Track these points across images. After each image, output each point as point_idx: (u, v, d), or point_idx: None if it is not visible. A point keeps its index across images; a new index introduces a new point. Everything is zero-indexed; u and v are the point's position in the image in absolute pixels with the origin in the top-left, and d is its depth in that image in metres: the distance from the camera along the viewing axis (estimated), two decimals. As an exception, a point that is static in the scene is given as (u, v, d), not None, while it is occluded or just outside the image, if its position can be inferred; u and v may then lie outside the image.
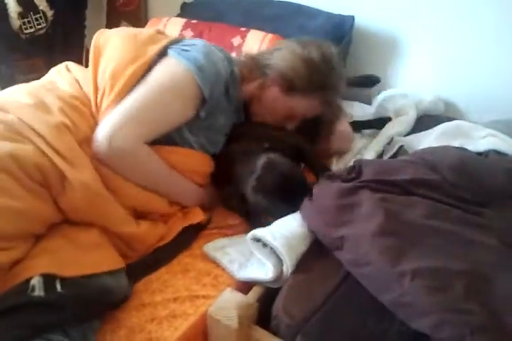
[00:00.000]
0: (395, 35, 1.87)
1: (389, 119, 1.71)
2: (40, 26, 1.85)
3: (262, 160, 1.20)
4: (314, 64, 1.29)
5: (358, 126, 1.73)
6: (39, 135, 1.02)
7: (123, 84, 1.14)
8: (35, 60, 1.86)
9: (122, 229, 1.09)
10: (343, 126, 1.53)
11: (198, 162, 1.27)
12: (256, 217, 1.28)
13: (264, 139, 1.31)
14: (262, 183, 1.17)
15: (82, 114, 1.13)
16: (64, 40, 1.87)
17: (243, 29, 1.85)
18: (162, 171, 1.18)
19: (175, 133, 1.20)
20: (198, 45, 1.22)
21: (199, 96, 1.18)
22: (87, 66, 1.25)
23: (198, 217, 1.24)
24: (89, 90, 1.18)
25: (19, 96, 1.14)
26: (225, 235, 1.25)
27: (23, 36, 1.82)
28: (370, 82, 1.90)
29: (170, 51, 1.21)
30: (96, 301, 0.94)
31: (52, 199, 1.02)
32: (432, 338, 0.80)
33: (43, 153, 1.00)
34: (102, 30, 1.29)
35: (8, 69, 1.82)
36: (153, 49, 1.20)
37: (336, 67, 1.33)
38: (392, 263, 0.88)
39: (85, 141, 1.09)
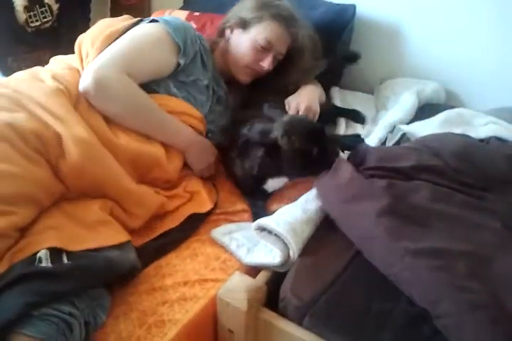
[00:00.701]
0: (397, 23, 1.88)
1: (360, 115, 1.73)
2: (45, 19, 1.87)
3: (286, 117, 1.26)
4: None
5: (337, 111, 1.76)
6: (35, 101, 1.10)
7: (102, 40, 1.27)
8: (41, 53, 1.88)
9: (122, 184, 1.13)
10: (303, 100, 1.53)
11: (186, 106, 1.34)
12: (257, 201, 1.32)
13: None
14: (294, 128, 1.20)
15: (73, 77, 1.23)
16: (69, 33, 1.89)
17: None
18: (149, 102, 1.25)
19: (161, 88, 1.31)
20: (166, 17, 1.39)
21: (173, 43, 1.30)
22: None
23: (205, 205, 1.27)
24: (77, 64, 1.30)
25: (18, 75, 1.26)
26: (232, 221, 1.27)
27: (29, 29, 1.84)
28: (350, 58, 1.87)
29: (142, 22, 1.37)
30: (104, 272, 0.96)
31: (53, 168, 1.06)
32: (431, 313, 0.83)
33: (39, 118, 1.07)
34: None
35: (14, 61, 1.85)
36: (128, 21, 1.36)
37: None
38: (395, 240, 0.91)
39: (78, 102, 1.18)
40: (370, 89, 1.95)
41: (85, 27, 1.96)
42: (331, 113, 1.72)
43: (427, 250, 0.89)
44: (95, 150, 1.10)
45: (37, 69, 1.30)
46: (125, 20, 1.38)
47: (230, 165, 1.38)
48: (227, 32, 1.52)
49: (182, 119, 1.31)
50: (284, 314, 0.96)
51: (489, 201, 1.12)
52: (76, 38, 1.30)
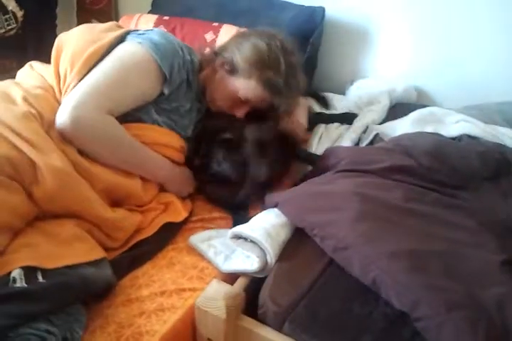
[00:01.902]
0: (366, 26, 1.89)
1: (355, 115, 1.72)
2: (10, 27, 1.83)
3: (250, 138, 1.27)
4: (258, 48, 1.34)
5: (325, 118, 1.74)
6: (6, 125, 1.04)
7: (82, 62, 1.18)
8: (7, 61, 1.84)
9: (98, 213, 1.09)
10: (296, 117, 1.53)
11: (167, 137, 1.30)
12: (240, 211, 1.31)
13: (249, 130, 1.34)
14: (262, 150, 1.23)
15: (47, 100, 1.17)
16: (36, 40, 1.85)
17: (216, 24, 1.85)
18: (129, 142, 1.20)
19: (143, 114, 1.25)
20: (154, 30, 1.30)
21: (159, 72, 1.23)
22: None
23: (180, 215, 1.25)
24: (52, 81, 1.22)
25: None
26: (209, 228, 1.25)
27: (-7, 37, 1.79)
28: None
29: (128, 37, 1.27)
30: (79, 290, 0.94)
31: (26, 192, 1.02)
32: (410, 317, 0.83)
33: (12, 144, 1.02)
34: (63, 33, 1.32)
35: (-21, 70, 1.80)
36: (113, 34, 1.26)
37: (279, 51, 1.35)
38: (369, 246, 0.91)
39: (51, 127, 1.11)
40: (341, 90, 1.96)
41: (52, 33, 1.94)
42: (310, 121, 1.69)
43: (401, 252, 0.89)
44: (70, 178, 1.06)
45: (8, 85, 1.20)
46: (110, 29, 1.29)
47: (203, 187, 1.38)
48: (217, 63, 1.39)
49: (162, 151, 1.27)
50: (263, 321, 0.95)
51: (462, 199, 1.13)
52: (42, 46, 1.26)
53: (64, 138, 1.11)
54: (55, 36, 1.29)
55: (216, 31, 1.83)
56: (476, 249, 0.95)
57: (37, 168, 1.02)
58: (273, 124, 1.40)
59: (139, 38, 1.25)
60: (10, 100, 1.13)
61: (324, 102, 1.85)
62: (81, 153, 1.13)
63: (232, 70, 1.35)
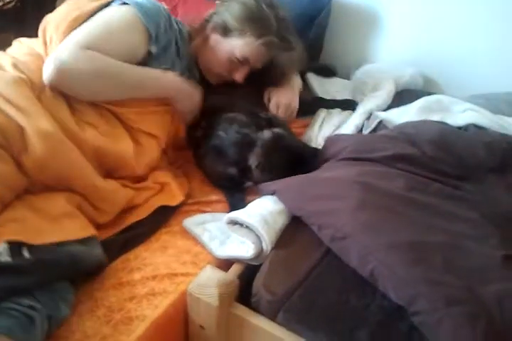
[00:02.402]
0: (375, 8, 1.85)
1: (356, 103, 1.68)
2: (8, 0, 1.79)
3: (267, 135, 1.19)
4: (246, 5, 1.36)
5: (326, 103, 1.71)
6: None
7: (67, 25, 1.18)
8: (5, 35, 1.79)
9: (88, 180, 1.08)
10: (284, 97, 1.51)
11: (154, 127, 1.27)
12: (235, 193, 1.28)
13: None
14: (270, 160, 1.17)
15: (36, 65, 1.14)
16: (34, 13, 1.80)
17: (218, 2, 1.80)
18: (120, 69, 1.18)
19: None
20: None
21: (144, 29, 1.21)
22: None
23: (175, 198, 1.22)
24: (39, 48, 1.21)
25: None
26: (205, 212, 1.22)
27: (-9, 10, 1.75)
28: (326, 72, 1.89)
29: (113, 3, 1.26)
30: (67, 268, 0.93)
31: (15, 161, 1.00)
32: (408, 310, 0.81)
33: (0, 109, 1.00)
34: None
35: (-25, 44, 1.76)
36: (97, 3, 1.25)
37: (267, 6, 1.37)
38: (369, 236, 0.88)
39: (42, 92, 1.10)
40: (346, 75, 1.92)
41: (51, 7, 1.88)
42: (311, 104, 1.68)
43: (401, 243, 0.87)
44: (60, 144, 1.04)
45: None
46: (94, 0, 1.28)
47: (200, 160, 1.35)
48: (208, 30, 1.40)
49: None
50: (257, 309, 0.93)
51: (466, 190, 1.10)
52: (41, 19, 1.23)
53: (53, 94, 1.10)
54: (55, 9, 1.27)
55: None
56: (477, 243, 0.93)
57: (25, 134, 1.00)
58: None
59: (124, 2, 1.24)
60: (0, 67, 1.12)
61: (328, 70, 1.84)
62: (72, 116, 1.11)
63: (226, 31, 1.36)
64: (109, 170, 1.17)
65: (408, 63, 1.83)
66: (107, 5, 1.26)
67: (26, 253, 0.88)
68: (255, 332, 0.92)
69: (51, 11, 1.28)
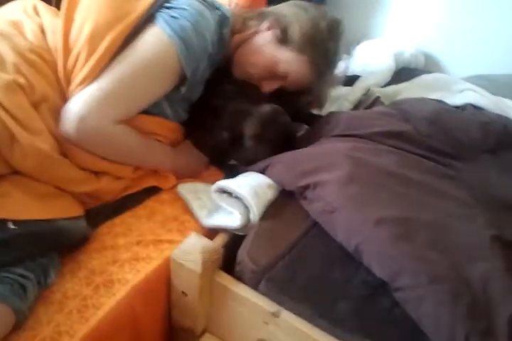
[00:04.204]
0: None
1: (356, 77, 1.65)
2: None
3: (267, 108, 1.17)
4: (318, 28, 1.21)
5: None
6: None
7: (102, 53, 1.00)
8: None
9: (81, 188, 1.01)
10: None
11: (171, 130, 1.20)
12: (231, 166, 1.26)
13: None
14: (265, 132, 1.15)
15: (40, 70, 1.00)
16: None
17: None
18: (137, 147, 1.10)
19: (154, 108, 1.11)
20: (188, 10, 1.07)
21: (181, 73, 1.08)
22: (57, 7, 1.10)
23: (168, 182, 1.18)
24: (55, 45, 1.04)
25: None
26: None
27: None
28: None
29: (158, 16, 1.07)
30: (52, 240, 0.91)
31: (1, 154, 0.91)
32: (391, 286, 0.80)
33: None
34: None
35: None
36: (139, 8, 1.06)
37: (335, 37, 1.26)
38: (357, 210, 0.88)
39: (43, 102, 0.98)
40: (347, 51, 1.88)
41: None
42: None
43: (389, 219, 0.86)
44: (51, 161, 0.95)
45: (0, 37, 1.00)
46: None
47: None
48: (264, 26, 1.23)
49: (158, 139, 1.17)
50: (240, 278, 0.92)
51: (458, 169, 1.09)
52: None
53: (52, 105, 0.99)
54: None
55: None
56: (466, 222, 0.92)
57: (16, 143, 0.90)
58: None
59: (169, 26, 1.05)
60: None
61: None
62: None
63: (284, 40, 1.21)
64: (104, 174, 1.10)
65: (409, 40, 1.80)
66: (150, 12, 1.07)
67: (11, 226, 0.85)
68: (237, 300, 0.91)
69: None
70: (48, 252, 0.91)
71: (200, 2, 1.11)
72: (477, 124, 1.18)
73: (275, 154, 1.12)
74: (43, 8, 1.12)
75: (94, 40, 1.00)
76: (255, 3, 1.51)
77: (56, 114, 0.98)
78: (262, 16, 1.26)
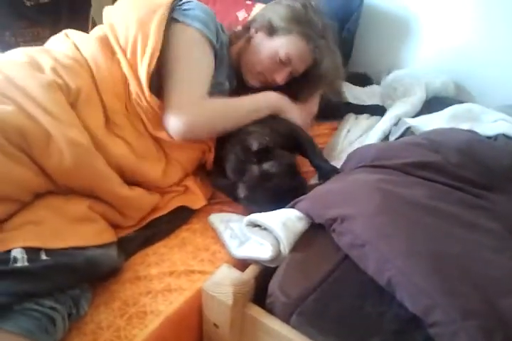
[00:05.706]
0: (406, 14, 1.82)
1: (385, 109, 1.66)
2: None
3: (254, 172, 1.18)
4: (294, 8, 1.37)
5: (352, 108, 1.69)
6: (27, 94, 0.98)
7: (157, 28, 1.14)
8: (40, 29, 1.82)
9: (114, 190, 1.06)
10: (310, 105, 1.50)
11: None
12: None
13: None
14: (254, 195, 1.17)
15: (76, 73, 1.10)
16: (70, 9, 1.82)
17: (249, 2, 1.82)
18: (234, 107, 1.26)
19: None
20: (193, 2, 1.26)
21: (212, 46, 1.24)
22: None
23: (197, 202, 1.23)
24: (90, 54, 1.15)
25: (14, 56, 1.12)
26: (226, 211, 1.23)
27: (28, 3, 1.77)
28: (361, 81, 1.88)
29: (175, 13, 1.21)
30: (83, 271, 0.92)
31: (36, 164, 0.97)
32: (424, 322, 0.79)
33: (28, 113, 0.96)
34: (106, 7, 1.26)
35: (12, 36, 1.78)
36: (160, 18, 1.17)
37: (312, 9, 1.39)
38: (386, 243, 0.87)
39: (78, 100, 1.07)
40: (376, 81, 1.90)
41: (87, 3, 1.91)
42: (340, 109, 1.68)
43: (420, 252, 0.84)
44: (89, 156, 1.01)
45: (39, 51, 1.13)
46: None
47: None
48: (252, 31, 1.40)
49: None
50: (271, 311, 0.92)
51: (489, 200, 1.07)
52: (76, 15, 1.21)
53: (88, 103, 1.08)
54: (90, 6, 1.25)
55: (249, 10, 1.80)
56: (497, 254, 0.90)
57: (52, 141, 0.96)
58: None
59: (188, 17, 1.20)
60: (38, 68, 1.07)
61: (366, 78, 1.88)
62: (105, 127, 1.09)
63: (271, 31, 1.36)
64: (134, 182, 1.15)
65: (439, 70, 1.80)
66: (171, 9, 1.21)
67: (43, 256, 0.87)
68: (268, 333, 0.91)
69: (85, 7, 1.24)
70: (79, 283, 0.92)
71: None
72: (508, 154, 1.17)
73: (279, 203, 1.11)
74: (73, 32, 1.24)
75: (143, 23, 1.15)
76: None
77: (90, 110, 1.08)
78: (246, 27, 1.44)
